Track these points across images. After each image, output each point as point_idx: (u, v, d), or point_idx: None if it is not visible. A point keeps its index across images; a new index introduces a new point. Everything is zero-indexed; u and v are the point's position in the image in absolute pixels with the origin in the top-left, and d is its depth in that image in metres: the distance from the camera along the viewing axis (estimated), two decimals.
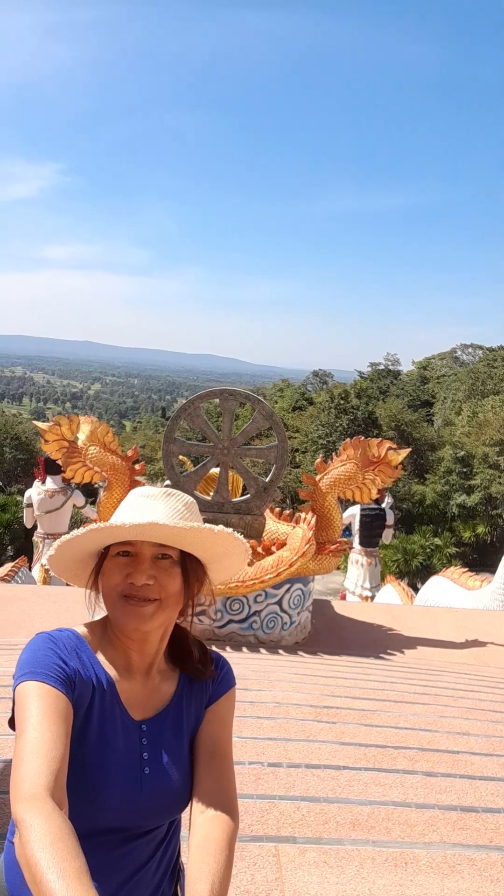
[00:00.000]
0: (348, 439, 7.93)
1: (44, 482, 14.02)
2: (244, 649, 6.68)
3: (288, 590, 7.28)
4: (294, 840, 2.24)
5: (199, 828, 1.17)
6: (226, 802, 1.22)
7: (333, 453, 8.01)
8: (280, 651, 6.74)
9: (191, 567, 1.26)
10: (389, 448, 7.77)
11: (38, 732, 1.03)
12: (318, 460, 7.98)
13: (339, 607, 9.21)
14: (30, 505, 13.97)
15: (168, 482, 7.87)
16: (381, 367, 47.89)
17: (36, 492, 13.86)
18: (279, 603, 7.23)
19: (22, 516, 17.20)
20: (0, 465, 48.23)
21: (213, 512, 7.72)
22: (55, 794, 0.97)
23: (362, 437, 7.96)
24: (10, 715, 1.15)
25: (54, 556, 1.25)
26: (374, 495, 8.11)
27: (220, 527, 1.24)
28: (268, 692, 4.49)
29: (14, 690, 1.12)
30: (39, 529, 13.96)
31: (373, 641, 7.44)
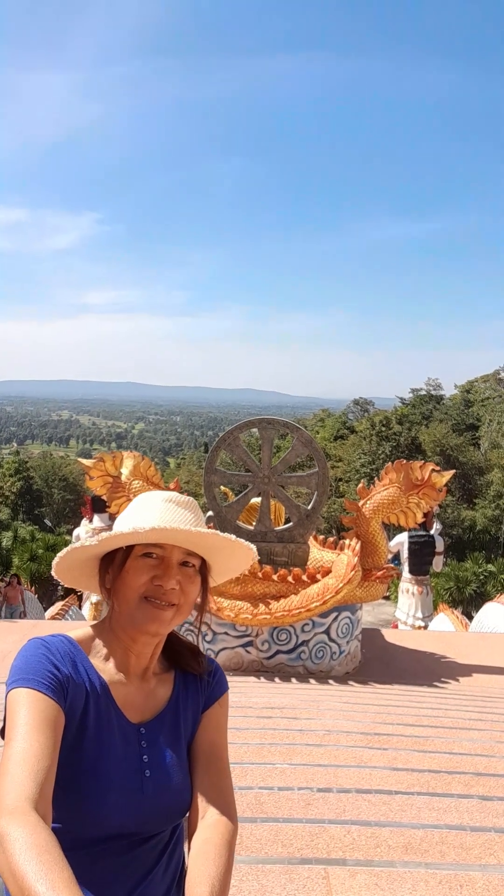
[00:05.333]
0: (390, 463, 7.85)
1: (91, 521, 14.27)
2: (293, 680, 6.59)
3: (335, 618, 7.17)
4: (344, 862, 2.19)
5: (198, 833, 1.17)
6: (224, 807, 1.22)
7: (376, 478, 7.93)
8: (330, 681, 6.62)
9: (207, 576, 1.29)
10: (433, 470, 7.65)
11: (26, 743, 1.02)
12: (360, 485, 7.92)
13: (391, 636, 9.01)
14: None
15: (210, 513, 7.93)
16: (423, 392, 47.36)
17: (84, 530, 14.11)
18: (327, 632, 7.12)
19: None
20: (49, 506, 49.46)
21: (257, 541, 7.72)
22: (39, 806, 0.97)
23: (404, 461, 7.86)
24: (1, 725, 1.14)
25: (86, 548, 1.22)
26: (420, 519, 7.95)
27: (252, 546, 1.29)
28: (317, 720, 4.42)
29: (5, 697, 1.12)
30: None
31: (426, 670, 7.24)
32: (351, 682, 6.59)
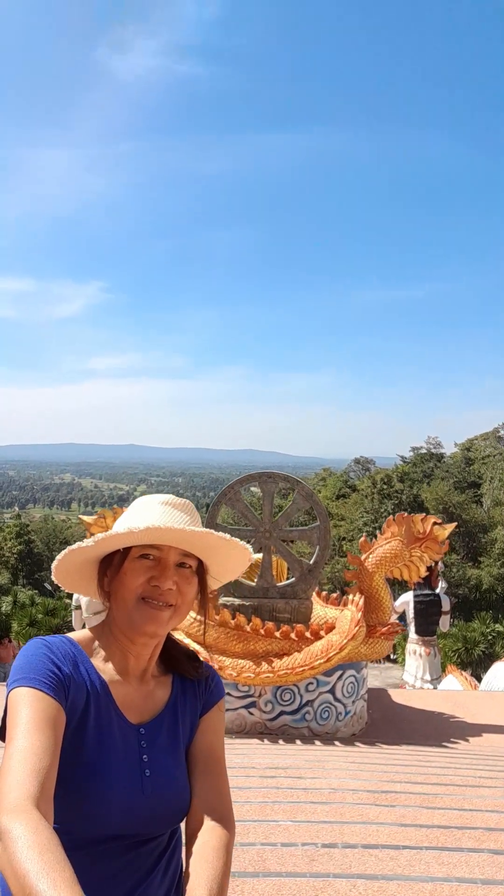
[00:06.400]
0: (391, 516, 7.83)
1: None
2: (298, 742, 6.39)
3: (340, 677, 7.00)
4: None
5: (197, 835, 1.17)
6: (222, 811, 1.23)
7: (378, 532, 7.90)
8: (336, 743, 6.41)
9: (204, 578, 1.32)
10: (434, 523, 7.63)
11: (27, 742, 1.03)
12: (362, 539, 7.88)
13: (397, 696, 8.76)
14: (78, 607, 13.96)
15: None
16: (424, 450, 47.52)
17: None
18: (332, 691, 6.94)
19: (71, 620, 17.20)
20: (50, 570, 48.81)
21: (259, 598, 7.62)
22: (41, 804, 0.97)
23: (405, 514, 7.85)
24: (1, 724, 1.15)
25: (83, 550, 1.25)
26: (423, 573, 7.86)
27: (249, 546, 1.32)
28: (322, 780, 4.27)
29: (7, 696, 1.13)
30: None
31: (434, 729, 7.01)
32: (357, 744, 6.38)
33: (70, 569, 1.31)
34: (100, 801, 1.13)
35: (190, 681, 1.35)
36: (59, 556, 1.28)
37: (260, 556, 7.76)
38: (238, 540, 1.29)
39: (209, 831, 1.18)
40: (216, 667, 6.79)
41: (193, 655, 1.37)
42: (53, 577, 1.33)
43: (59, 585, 1.36)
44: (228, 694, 6.88)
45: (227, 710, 6.87)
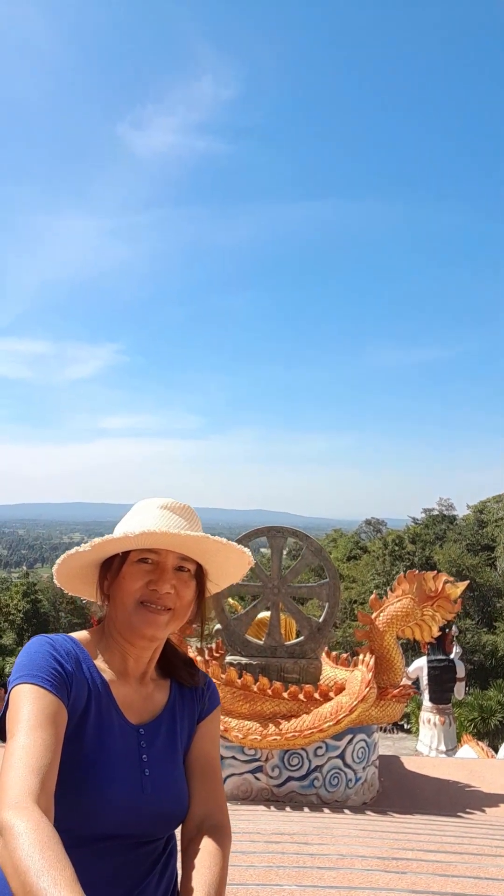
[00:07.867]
0: (402, 574, 7.72)
1: None
2: (305, 809, 6.11)
3: (350, 741, 6.75)
4: None
5: (195, 841, 1.17)
6: (219, 817, 1.23)
7: (388, 589, 7.77)
8: (345, 811, 6.13)
9: (202, 582, 1.33)
10: (446, 581, 7.50)
11: (29, 739, 1.04)
12: (373, 597, 7.75)
13: (410, 764, 8.40)
14: None
15: (219, 626, 7.74)
16: (436, 512, 47.02)
17: None
18: (342, 756, 6.67)
19: None
20: (56, 630, 48.10)
21: (266, 657, 7.45)
22: (42, 801, 0.97)
23: (416, 571, 7.74)
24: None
25: (82, 554, 1.26)
26: (436, 633, 7.67)
27: (246, 549, 1.34)
28: (330, 846, 4.08)
29: (8, 693, 1.14)
30: None
31: (449, 799, 6.70)
32: (368, 812, 6.10)
33: (71, 573, 1.33)
34: (100, 798, 1.13)
35: (187, 687, 1.36)
36: (58, 561, 1.30)
37: (268, 614, 7.63)
38: (235, 544, 1.32)
39: (207, 838, 1.18)
40: (221, 728, 6.58)
41: (190, 662, 1.38)
42: (55, 581, 1.35)
43: (62, 588, 1.38)
44: (233, 758, 6.64)
45: (233, 775, 6.61)
